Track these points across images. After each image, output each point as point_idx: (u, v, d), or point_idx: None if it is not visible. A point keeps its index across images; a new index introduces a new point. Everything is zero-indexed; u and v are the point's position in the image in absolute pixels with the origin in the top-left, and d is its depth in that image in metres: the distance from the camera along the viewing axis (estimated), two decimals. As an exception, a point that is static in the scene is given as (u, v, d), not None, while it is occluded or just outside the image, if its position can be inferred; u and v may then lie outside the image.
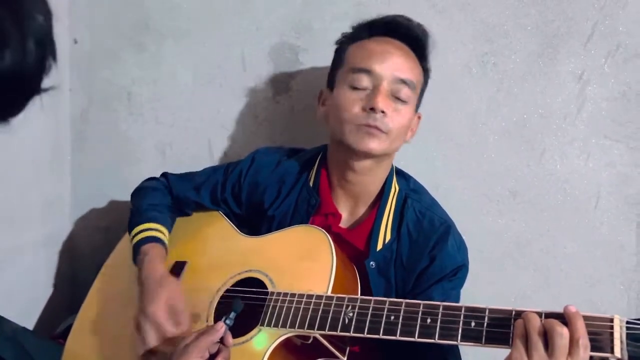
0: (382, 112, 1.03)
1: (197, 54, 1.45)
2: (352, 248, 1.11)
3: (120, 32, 1.48)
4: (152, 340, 0.98)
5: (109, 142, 1.54)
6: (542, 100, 1.29)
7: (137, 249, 1.12)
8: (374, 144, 1.04)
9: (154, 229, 1.15)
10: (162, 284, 1.03)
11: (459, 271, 1.09)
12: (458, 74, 1.32)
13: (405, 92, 1.06)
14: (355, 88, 1.06)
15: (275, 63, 1.41)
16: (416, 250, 1.09)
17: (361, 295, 1.05)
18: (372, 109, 1.03)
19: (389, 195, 1.13)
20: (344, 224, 1.15)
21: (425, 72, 1.14)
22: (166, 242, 1.15)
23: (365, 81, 1.06)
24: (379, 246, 1.09)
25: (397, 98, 1.06)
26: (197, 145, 1.49)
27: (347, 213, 1.15)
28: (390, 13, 1.15)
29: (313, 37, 1.37)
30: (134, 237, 1.15)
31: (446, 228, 1.10)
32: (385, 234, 1.10)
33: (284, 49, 1.40)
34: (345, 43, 1.14)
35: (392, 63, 1.06)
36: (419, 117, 1.17)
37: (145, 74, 1.49)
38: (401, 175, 1.19)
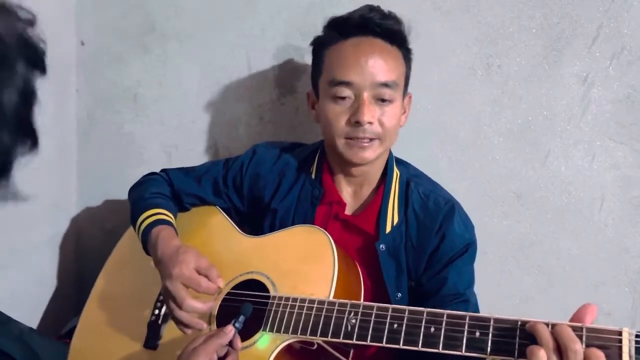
0: (369, 122, 1.04)
1: (202, 56, 1.46)
2: (362, 232, 1.12)
3: (126, 34, 1.49)
4: (184, 295, 0.96)
5: (115, 143, 1.54)
6: (546, 103, 1.29)
7: (146, 234, 1.10)
8: (368, 154, 1.07)
9: (160, 213, 1.13)
10: (180, 252, 1.01)
11: (469, 247, 1.11)
12: (462, 76, 1.32)
13: (388, 93, 1.06)
14: (337, 100, 1.06)
15: (280, 64, 1.42)
16: (424, 230, 1.10)
17: (372, 278, 1.07)
18: (358, 122, 1.04)
19: (392, 178, 1.14)
20: (349, 210, 1.16)
21: (407, 56, 1.12)
22: (175, 225, 1.13)
23: (346, 92, 1.06)
24: (388, 228, 1.10)
25: (382, 100, 1.06)
26: (202, 147, 1.50)
27: (350, 199, 1.16)
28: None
29: (318, 39, 1.37)
30: (141, 224, 1.12)
31: (451, 207, 1.11)
32: (392, 217, 1.11)
33: (289, 51, 1.41)
34: (320, 47, 1.13)
35: (370, 70, 1.04)
36: (410, 97, 1.17)
37: (151, 75, 1.49)
38: (400, 162, 1.21)
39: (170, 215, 1.15)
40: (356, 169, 1.12)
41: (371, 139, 1.06)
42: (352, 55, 1.06)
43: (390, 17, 1.10)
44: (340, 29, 1.09)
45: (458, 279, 1.08)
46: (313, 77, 1.15)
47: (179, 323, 0.99)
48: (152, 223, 1.10)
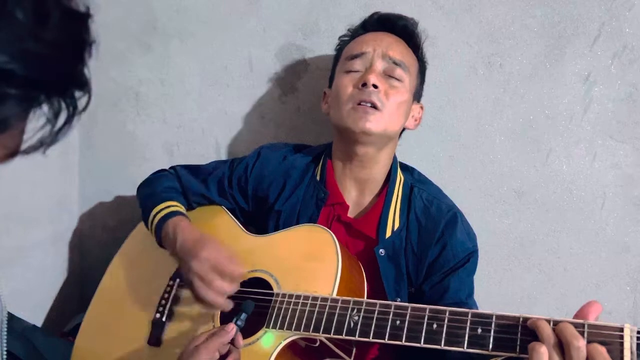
0: (375, 86, 1.06)
1: (204, 55, 1.46)
2: (363, 236, 1.13)
3: (127, 33, 1.49)
4: (212, 276, 0.95)
5: (117, 142, 1.54)
6: (548, 101, 1.29)
7: (160, 226, 1.10)
8: (371, 123, 1.06)
9: (174, 205, 1.14)
10: (206, 238, 1.02)
11: (471, 257, 1.11)
12: (464, 75, 1.32)
13: (398, 72, 1.10)
14: (349, 73, 1.11)
15: (281, 64, 1.42)
16: (426, 236, 1.10)
17: (371, 283, 1.06)
18: (364, 85, 1.06)
19: (395, 183, 1.14)
20: (351, 213, 1.16)
21: (421, 63, 1.18)
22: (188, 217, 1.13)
23: (358, 64, 1.11)
24: (388, 233, 1.10)
25: (391, 76, 1.09)
26: (204, 145, 1.50)
27: (353, 203, 1.16)
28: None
29: (320, 38, 1.37)
30: (155, 216, 1.12)
31: (453, 214, 1.11)
32: (393, 222, 1.11)
33: (291, 50, 1.41)
34: (343, 44, 1.20)
35: (383, 45, 1.11)
36: (422, 108, 1.20)
37: (153, 74, 1.49)
38: (405, 168, 1.21)
39: (183, 208, 1.16)
40: (358, 162, 1.12)
41: (374, 106, 1.06)
42: (370, 36, 1.15)
43: (408, 19, 1.18)
44: (363, 24, 1.19)
45: (460, 287, 1.08)
46: (332, 71, 1.21)
47: (204, 302, 0.97)
48: (168, 215, 1.11)
